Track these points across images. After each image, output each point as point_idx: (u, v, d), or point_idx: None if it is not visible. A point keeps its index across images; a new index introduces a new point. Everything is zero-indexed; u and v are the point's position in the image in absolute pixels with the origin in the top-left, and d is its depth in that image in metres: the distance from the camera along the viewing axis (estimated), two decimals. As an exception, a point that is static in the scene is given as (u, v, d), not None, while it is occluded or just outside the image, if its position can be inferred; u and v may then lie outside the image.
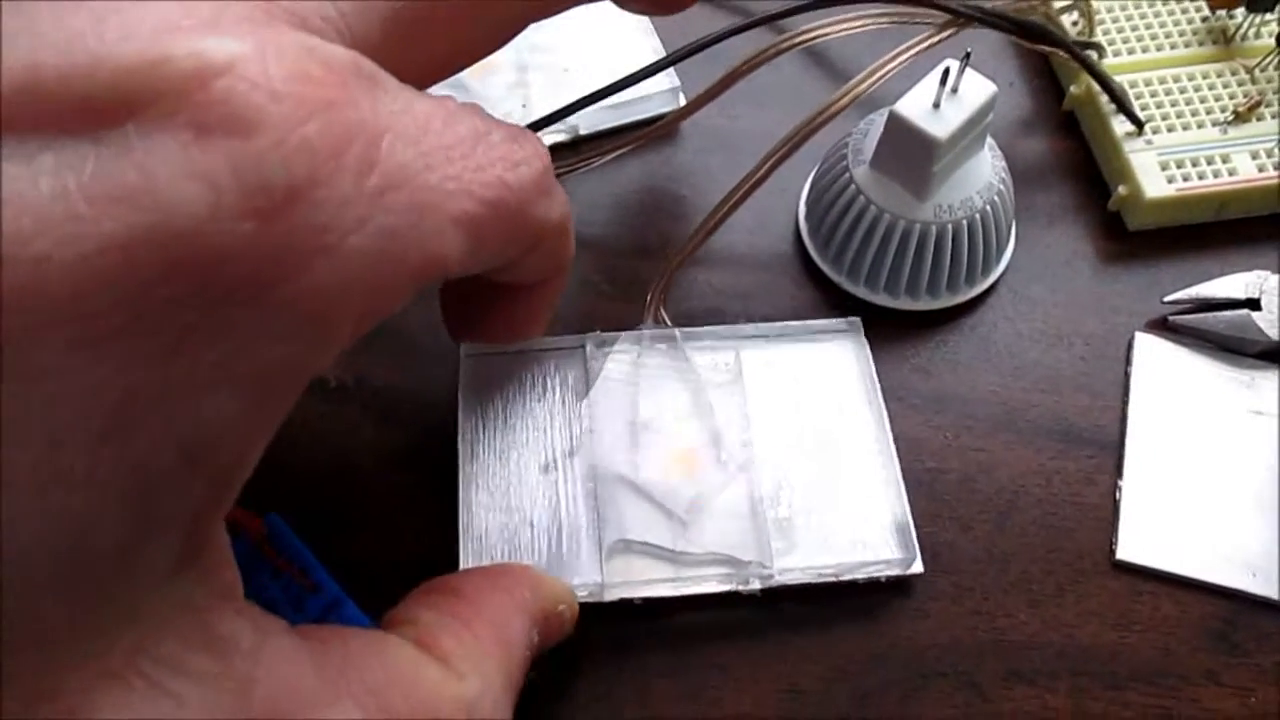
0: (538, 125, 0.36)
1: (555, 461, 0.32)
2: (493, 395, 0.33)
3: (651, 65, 0.36)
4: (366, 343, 0.34)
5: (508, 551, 0.31)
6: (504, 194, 0.22)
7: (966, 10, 0.32)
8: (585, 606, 0.29)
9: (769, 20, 0.35)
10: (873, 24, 0.33)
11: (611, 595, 0.30)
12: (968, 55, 0.31)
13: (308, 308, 0.19)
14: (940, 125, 0.31)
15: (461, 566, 0.30)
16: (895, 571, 0.31)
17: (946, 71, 0.31)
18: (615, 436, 0.32)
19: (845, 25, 0.33)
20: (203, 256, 0.17)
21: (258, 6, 0.19)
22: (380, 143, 0.20)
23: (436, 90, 0.38)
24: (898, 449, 0.32)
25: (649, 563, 0.31)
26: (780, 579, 0.31)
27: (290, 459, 0.33)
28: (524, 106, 0.38)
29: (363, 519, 0.33)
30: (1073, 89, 0.38)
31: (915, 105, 0.31)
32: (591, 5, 0.37)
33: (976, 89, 0.32)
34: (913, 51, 0.32)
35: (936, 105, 0.31)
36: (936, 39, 0.33)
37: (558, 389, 0.33)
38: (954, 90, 0.31)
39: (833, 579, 0.31)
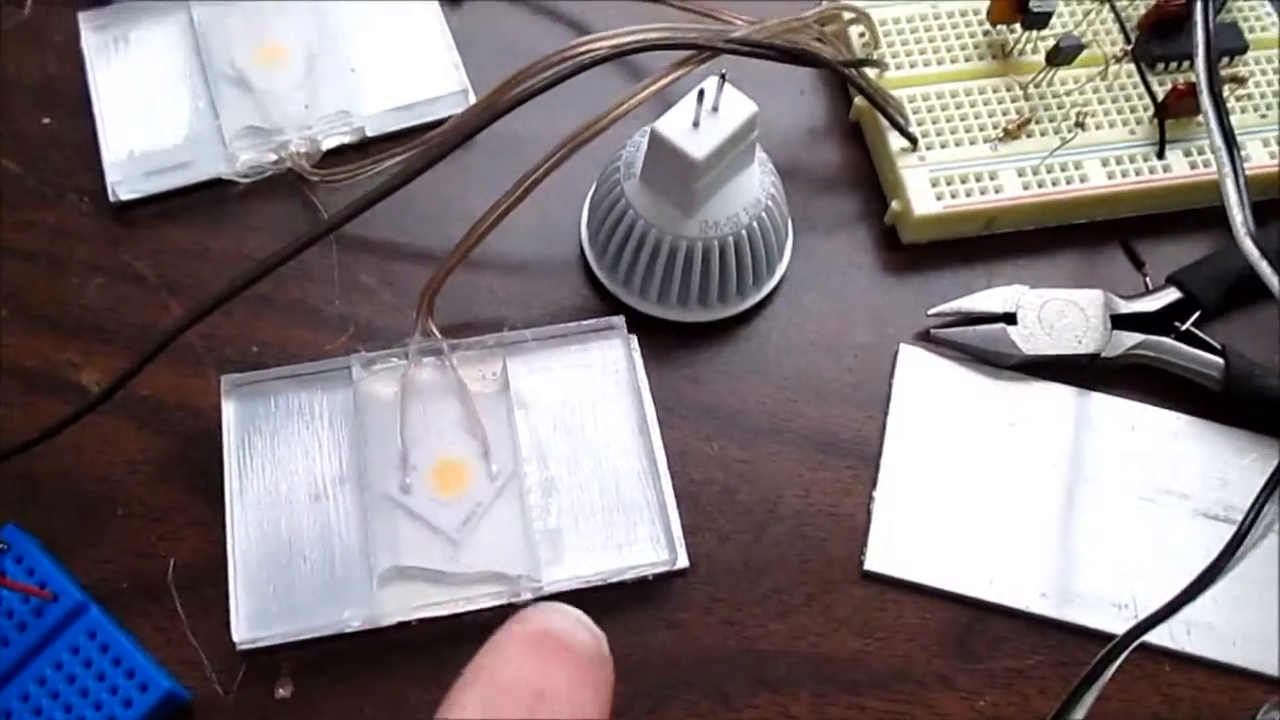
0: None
1: (325, 489, 0.32)
2: (260, 425, 0.33)
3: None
4: (134, 353, 0.34)
5: (280, 585, 0.31)
6: None
7: (717, 45, 0.33)
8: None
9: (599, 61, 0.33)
10: (646, 42, 0.33)
11: (386, 622, 0.30)
12: (723, 76, 0.31)
13: None
14: (699, 144, 0.31)
15: (233, 604, 0.30)
16: (660, 570, 0.32)
17: (702, 92, 0.31)
18: (385, 458, 0.32)
19: (612, 43, 0.33)
20: None
21: None
22: None
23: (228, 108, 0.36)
24: (665, 459, 0.33)
25: (422, 587, 0.31)
26: (550, 589, 0.31)
27: (42, 468, 0.33)
28: (307, 107, 0.38)
29: (118, 528, 0.32)
30: (856, 101, 0.39)
31: (675, 124, 0.32)
32: (387, 8, 0.35)
33: (737, 107, 0.32)
34: (667, 79, 0.32)
35: (696, 124, 0.32)
36: (681, 72, 0.33)
37: (326, 414, 0.33)
38: (714, 109, 0.32)
39: (600, 583, 0.31)
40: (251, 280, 0.32)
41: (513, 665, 0.20)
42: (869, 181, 0.39)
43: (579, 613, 0.22)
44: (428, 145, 0.36)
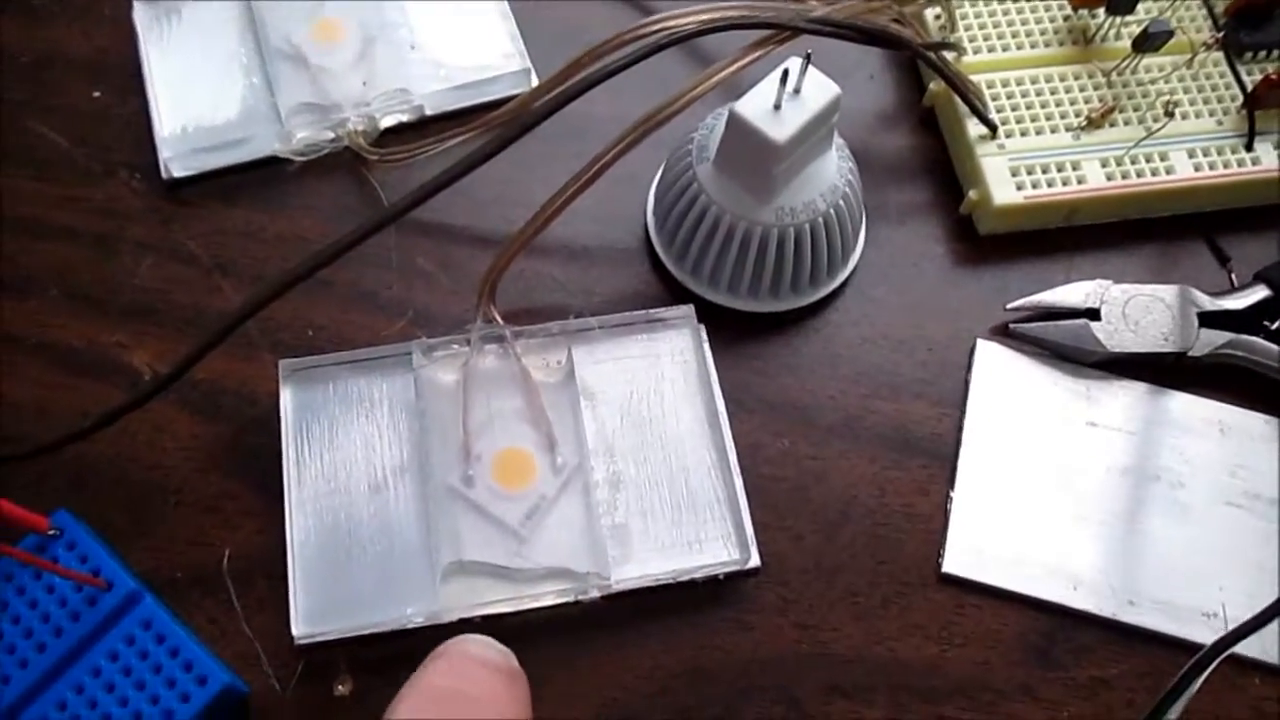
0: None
1: (385, 479, 0.31)
2: (317, 412, 0.32)
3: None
4: (185, 336, 0.33)
5: (339, 579, 0.30)
6: None
7: (799, 25, 0.31)
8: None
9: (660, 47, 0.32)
10: (721, 22, 0.31)
11: (448, 618, 0.29)
12: (808, 56, 0.30)
13: None
14: (780, 127, 0.30)
15: (292, 598, 0.29)
16: (732, 569, 0.30)
17: (786, 73, 0.30)
18: (446, 448, 0.31)
19: (691, 20, 0.32)
20: None
21: None
22: None
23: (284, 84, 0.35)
24: (736, 454, 0.32)
25: (486, 582, 0.30)
26: (618, 588, 0.30)
27: (92, 454, 0.32)
28: (364, 84, 0.36)
29: (171, 516, 0.31)
30: (932, 86, 0.37)
31: (755, 106, 0.30)
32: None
33: (819, 90, 0.31)
34: (745, 60, 0.31)
35: (777, 106, 0.30)
36: (759, 52, 0.32)
37: (385, 401, 0.32)
38: (796, 91, 0.30)
39: (669, 581, 0.30)
40: (316, 267, 0.31)
41: (438, 678, 0.24)
42: (942, 169, 0.38)
43: (487, 638, 0.25)
44: (491, 126, 0.36)
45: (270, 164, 0.36)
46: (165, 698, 0.27)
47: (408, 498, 0.31)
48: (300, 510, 0.30)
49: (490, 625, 0.30)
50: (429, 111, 0.37)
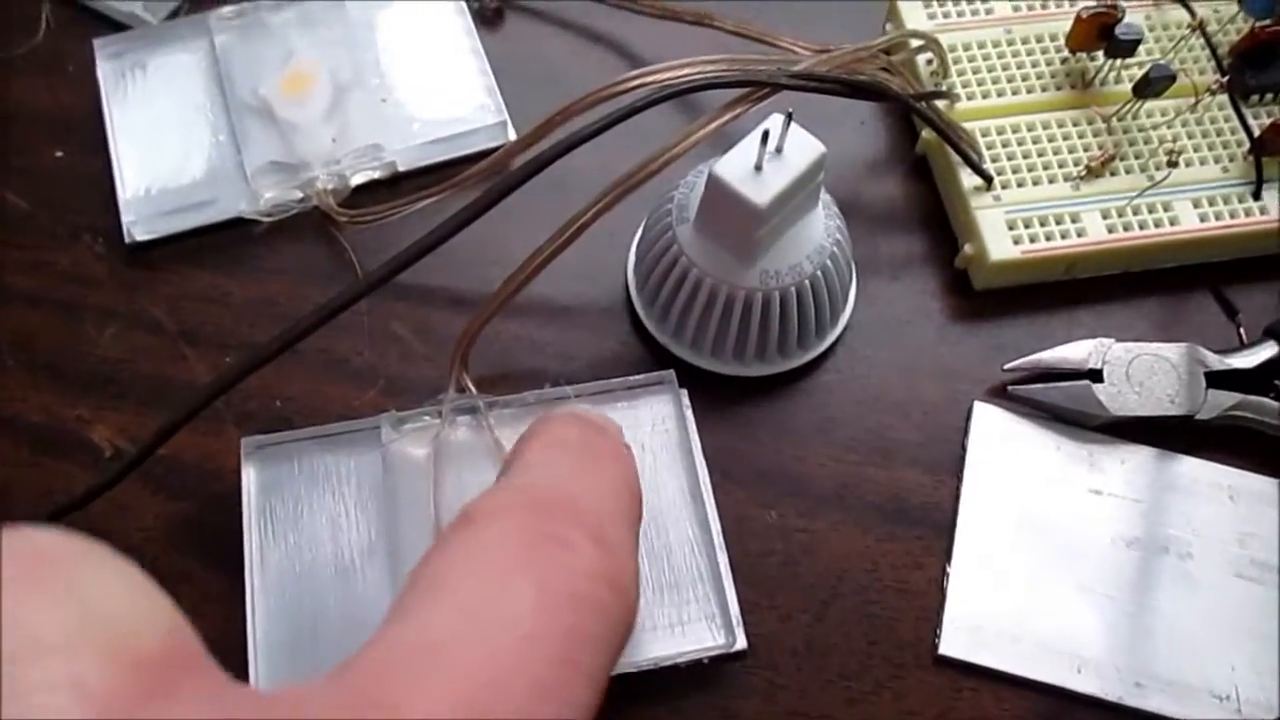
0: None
1: (353, 561, 0.30)
2: (282, 491, 0.30)
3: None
4: (148, 409, 0.31)
5: (303, 667, 0.28)
6: None
7: (781, 82, 0.30)
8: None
9: (642, 109, 0.30)
10: (701, 79, 0.30)
11: None
12: (789, 115, 0.28)
13: None
14: (762, 190, 0.29)
15: (253, 682, 0.28)
16: (717, 653, 0.29)
17: (766, 133, 0.28)
18: (417, 528, 0.30)
19: (675, 75, 0.30)
20: None
21: None
22: None
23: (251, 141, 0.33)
24: (720, 528, 0.30)
25: None
26: None
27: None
28: (334, 141, 0.35)
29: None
30: (924, 134, 0.36)
31: (735, 167, 0.29)
32: (419, 32, 0.33)
33: (803, 149, 0.29)
34: (727, 117, 0.30)
35: (759, 167, 0.29)
36: (742, 109, 0.30)
37: (354, 478, 0.31)
38: (778, 150, 0.29)
39: (651, 668, 0.29)
40: (291, 341, 0.29)
41: (559, 423, 0.22)
42: (936, 219, 0.36)
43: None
44: (467, 183, 0.34)
45: (237, 225, 0.35)
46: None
47: (377, 581, 0.29)
48: (264, 595, 0.29)
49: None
50: (402, 168, 0.36)
